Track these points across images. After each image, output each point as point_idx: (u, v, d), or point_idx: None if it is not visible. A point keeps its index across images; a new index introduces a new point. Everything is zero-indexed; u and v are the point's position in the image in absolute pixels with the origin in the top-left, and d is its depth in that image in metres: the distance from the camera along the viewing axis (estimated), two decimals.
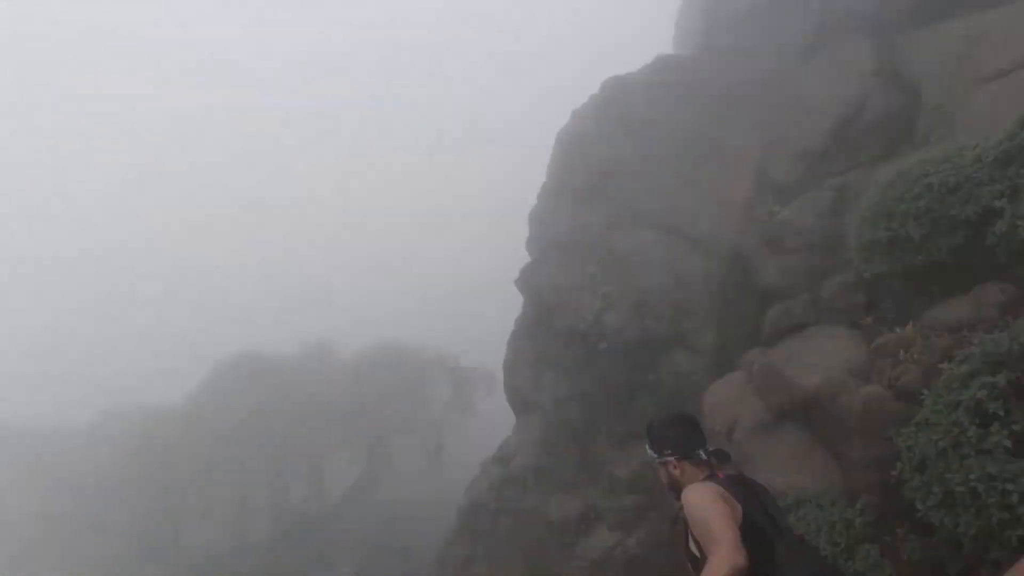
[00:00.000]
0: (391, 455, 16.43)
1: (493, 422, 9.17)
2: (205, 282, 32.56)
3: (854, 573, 3.38)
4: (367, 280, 30.91)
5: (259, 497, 15.17)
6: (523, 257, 9.30)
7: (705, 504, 2.06)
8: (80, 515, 12.99)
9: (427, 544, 9.84)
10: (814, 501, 4.07)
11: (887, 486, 3.62)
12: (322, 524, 15.11)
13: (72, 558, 12.94)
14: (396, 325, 18.59)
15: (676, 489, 2.34)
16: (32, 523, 12.86)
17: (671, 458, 2.34)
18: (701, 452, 2.34)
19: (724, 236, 6.73)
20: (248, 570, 13.39)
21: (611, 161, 8.44)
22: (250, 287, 31.98)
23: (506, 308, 9.76)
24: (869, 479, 3.80)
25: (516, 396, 8.25)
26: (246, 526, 14.90)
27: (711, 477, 2.29)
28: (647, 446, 2.48)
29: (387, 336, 17.84)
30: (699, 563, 2.24)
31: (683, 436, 2.37)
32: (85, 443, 14.72)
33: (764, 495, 2.36)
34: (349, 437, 15.95)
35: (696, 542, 2.22)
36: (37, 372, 22.70)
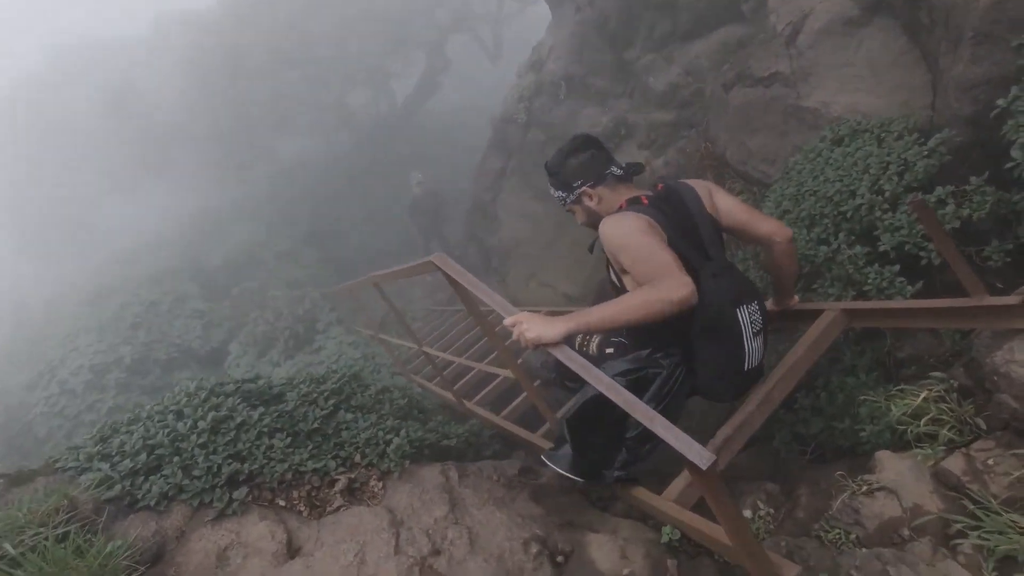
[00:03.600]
0: (449, 57, 15.36)
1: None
2: None
3: (887, 229, 2.71)
4: None
5: (334, 106, 15.31)
6: None
7: (628, 234, 1.86)
8: (153, 129, 13.71)
9: (475, 153, 9.85)
10: (875, 132, 3.13)
11: (983, 124, 2.59)
12: (391, 130, 15.50)
13: (152, 169, 14.27)
14: None
15: (597, 214, 2.11)
16: (108, 145, 13.81)
17: (583, 187, 2.10)
18: (615, 169, 2.07)
19: None
20: (332, 176, 14.42)
21: None
22: None
23: None
24: (964, 109, 2.72)
25: None
26: (325, 136, 15.62)
27: (634, 201, 2.02)
28: (552, 189, 2.20)
29: None
30: (614, 291, 2.10)
31: (589, 159, 2.09)
32: (146, 53, 14.61)
33: (699, 211, 2.06)
34: (404, 41, 14.75)
35: (618, 275, 2.04)
36: None
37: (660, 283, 1.71)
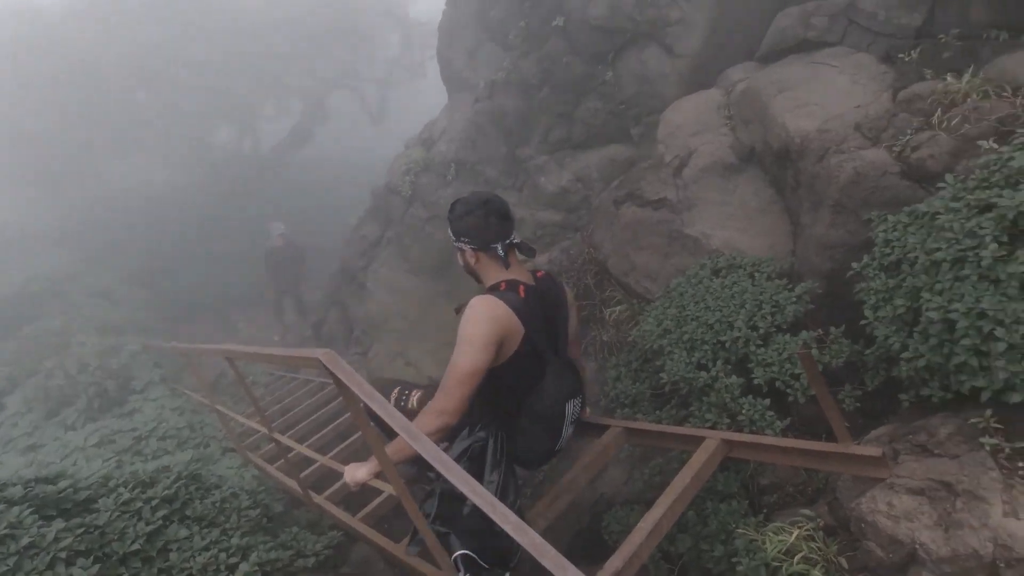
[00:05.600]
0: (327, 111, 14.96)
1: (443, 93, 7.76)
2: None
3: (759, 363, 2.93)
4: None
5: (189, 137, 13.99)
6: None
7: (473, 336, 1.98)
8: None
9: (346, 214, 9.46)
10: (748, 269, 3.45)
11: (839, 280, 2.95)
12: (255, 174, 14.48)
13: None
14: None
15: (473, 275, 2.28)
16: None
17: (466, 246, 2.17)
18: (499, 247, 2.11)
19: None
20: (176, 211, 12.99)
21: None
22: None
23: None
24: (823, 265, 3.10)
25: (448, 69, 6.80)
26: (175, 167, 14.13)
27: (510, 287, 2.11)
28: (448, 227, 2.26)
29: None
30: None
31: (483, 226, 2.11)
32: None
33: (561, 311, 2.33)
34: (279, 86, 14.14)
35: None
36: None
37: (425, 412, 2.02)
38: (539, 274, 2.29)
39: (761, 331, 3.02)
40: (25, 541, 1.89)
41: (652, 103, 4.83)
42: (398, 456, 2.06)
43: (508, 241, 2.14)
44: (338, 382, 2.08)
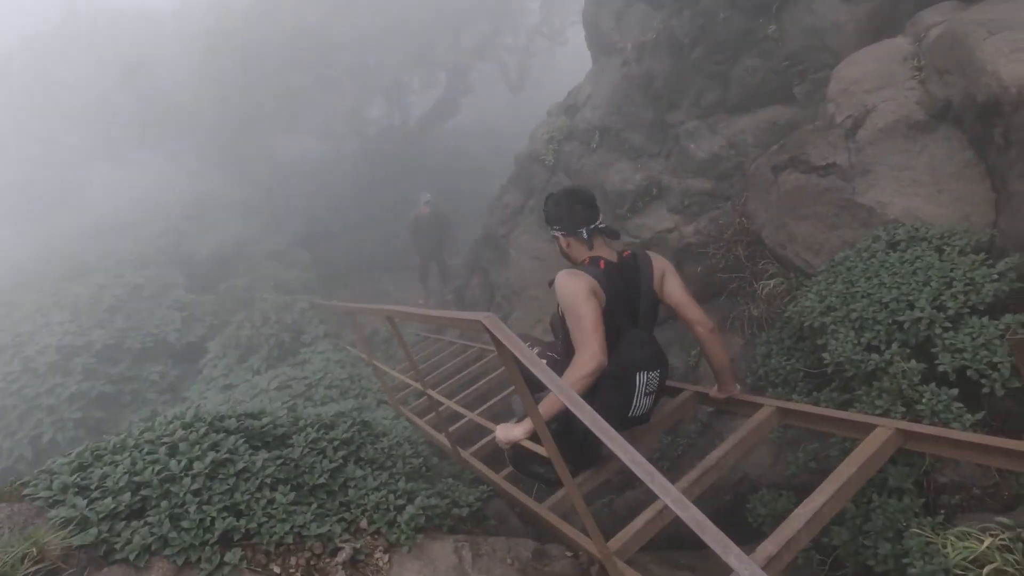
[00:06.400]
0: (470, 82, 15.34)
1: (583, 61, 7.64)
2: None
3: (947, 348, 2.60)
4: None
5: (344, 112, 15.12)
6: None
7: (575, 296, 2.32)
8: (156, 106, 13.30)
9: (490, 182, 9.73)
10: (935, 242, 3.04)
11: None
12: (404, 146, 15.33)
13: (147, 146, 13.80)
14: None
15: (567, 257, 2.65)
16: (107, 114, 13.38)
17: (559, 233, 2.57)
18: (584, 232, 2.48)
19: None
20: (333, 182, 14.17)
21: None
22: None
23: None
24: None
25: (594, 33, 6.63)
26: (331, 140, 15.37)
27: (592, 262, 2.46)
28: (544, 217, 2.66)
29: None
30: (559, 328, 2.61)
31: (569, 214, 2.51)
32: (164, 29, 14.29)
33: (644, 286, 2.52)
34: (426, 59, 14.71)
35: (563, 316, 2.47)
36: None
37: (578, 360, 2.26)
38: (625, 253, 2.57)
39: (950, 312, 2.67)
40: (240, 465, 2.24)
41: (821, 58, 4.36)
42: (547, 414, 2.19)
43: (593, 226, 2.50)
44: (498, 344, 2.18)
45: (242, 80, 13.30)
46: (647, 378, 2.50)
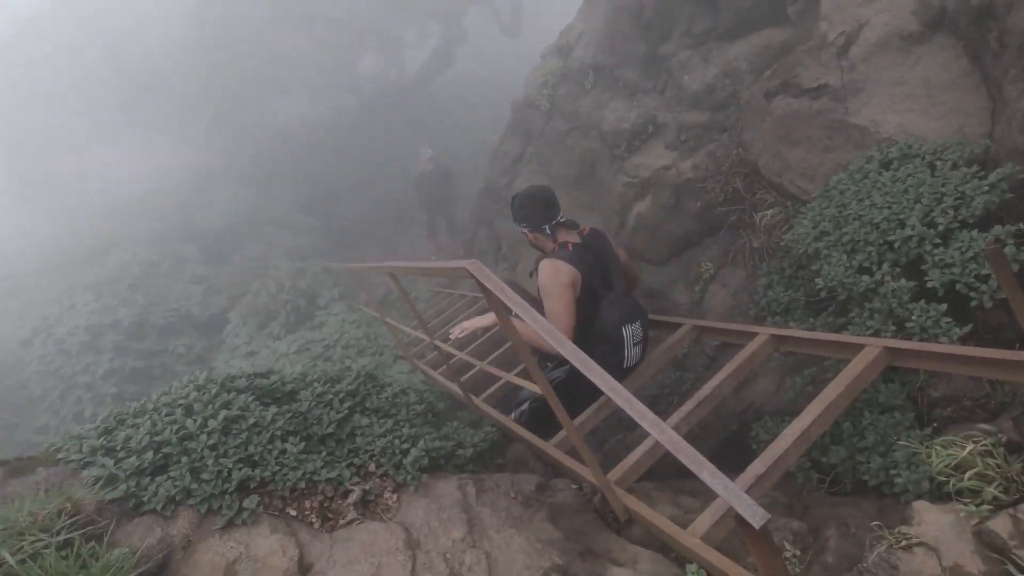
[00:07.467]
0: (464, 30, 14.90)
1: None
2: None
3: (936, 264, 2.60)
4: None
5: (337, 71, 14.86)
6: None
7: (552, 286, 2.65)
8: (146, 79, 13.18)
9: (490, 132, 9.61)
10: (928, 157, 2.99)
11: None
12: (402, 100, 15.10)
13: (140, 120, 13.69)
14: None
15: (536, 247, 3.03)
16: (102, 86, 13.27)
17: (526, 229, 2.96)
18: (547, 228, 2.86)
19: None
20: (331, 142, 14.04)
21: None
22: None
23: None
24: None
25: None
26: (327, 100, 15.17)
27: (561, 247, 2.81)
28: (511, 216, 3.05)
29: None
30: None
31: (533, 214, 2.89)
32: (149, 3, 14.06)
33: (608, 255, 2.88)
34: (416, 7, 14.28)
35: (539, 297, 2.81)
36: None
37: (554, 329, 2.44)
38: (584, 231, 2.93)
39: (940, 228, 2.66)
40: (252, 420, 2.39)
41: None
42: (526, 336, 2.47)
43: (555, 222, 2.88)
44: (483, 287, 2.26)
45: (229, 43, 13.09)
46: (632, 330, 2.79)
